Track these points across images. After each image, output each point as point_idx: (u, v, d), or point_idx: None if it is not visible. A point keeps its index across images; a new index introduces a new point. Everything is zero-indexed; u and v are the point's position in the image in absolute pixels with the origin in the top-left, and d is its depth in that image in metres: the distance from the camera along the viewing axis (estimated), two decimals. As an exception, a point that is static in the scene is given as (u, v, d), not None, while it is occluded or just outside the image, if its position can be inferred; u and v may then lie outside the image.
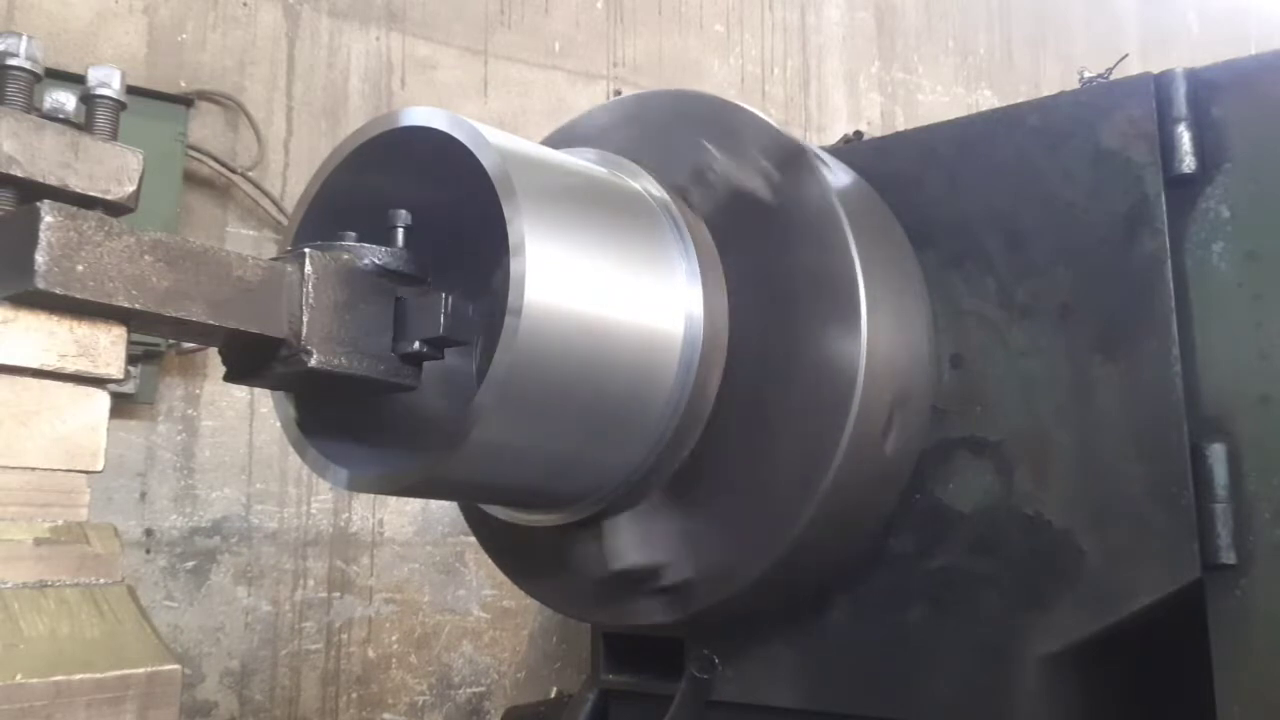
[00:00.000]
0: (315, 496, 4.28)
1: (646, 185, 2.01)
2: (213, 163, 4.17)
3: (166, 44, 4.19)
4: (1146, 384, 1.82)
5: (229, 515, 4.12)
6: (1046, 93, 2.09)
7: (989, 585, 1.92)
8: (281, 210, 4.24)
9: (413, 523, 4.48)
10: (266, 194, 4.25)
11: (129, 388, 3.81)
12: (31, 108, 1.54)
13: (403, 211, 1.81)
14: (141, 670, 1.37)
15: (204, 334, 1.60)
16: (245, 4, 4.36)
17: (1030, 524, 1.90)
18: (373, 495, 4.03)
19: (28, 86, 1.54)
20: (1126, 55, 3.14)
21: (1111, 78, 2.19)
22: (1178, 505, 1.77)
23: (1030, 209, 1.98)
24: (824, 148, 2.27)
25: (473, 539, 2.32)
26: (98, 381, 1.47)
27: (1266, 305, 1.77)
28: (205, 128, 4.19)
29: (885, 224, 2.09)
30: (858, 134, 2.59)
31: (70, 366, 1.43)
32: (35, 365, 1.40)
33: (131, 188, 1.58)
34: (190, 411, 4.09)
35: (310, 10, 4.51)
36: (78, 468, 1.46)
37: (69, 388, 1.45)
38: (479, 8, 4.93)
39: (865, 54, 6.25)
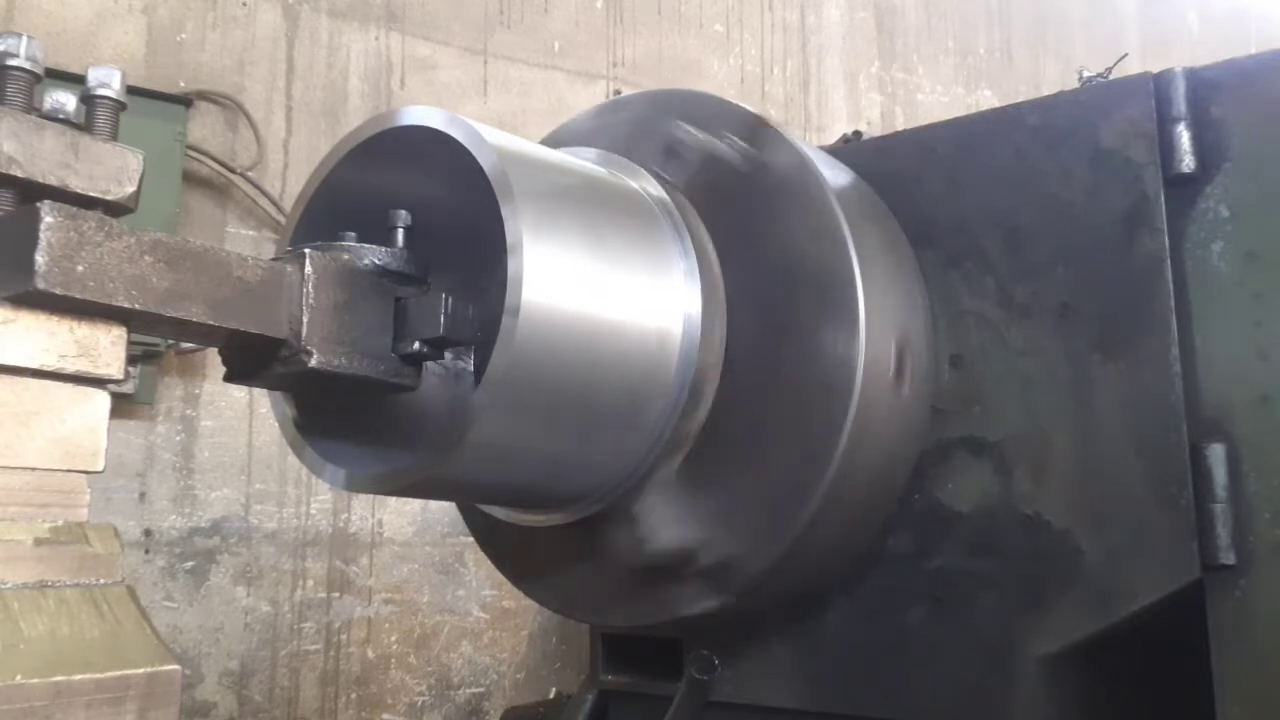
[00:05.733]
0: (315, 497, 4.28)
1: (645, 185, 2.01)
2: (212, 163, 4.16)
3: (165, 44, 4.19)
4: (1146, 384, 1.82)
5: (228, 515, 4.11)
6: (1046, 93, 2.09)
7: (988, 585, 1.92)
8: (281, 210, 4.24)
9: (412, 523, 4.48)
10: (266, 194, 4.25)
11: (128, 388, 3.80)
12: (31, 108, 1.54)
13: (403, 212, 1.81)
14: (141, 670, 1.37)
15: (204, 334, 1.60)
16: (244, 4, 4.36)
17: (1029, 524, 1.90)
18: (372, 496, 4.03)
19: (28, 86, 1.54)
20: (1126, 55, 3.14)
21: (1111, 77, 2.19)
22: (1177, 505, 1.77)
23: (1030, 209, 1.98)
24: (824, 147, 2.27)
25: (472, 539, 2.32)
26: (98, 382, 1.47)
27: (1266, 305, 1.77)
28: (204, 128, 4.19)
29: (884, 223, 2.09)
30: (857, 134, 2.59)
31: (70, 367, 1.43)
32: (35, 365, 1.40)
33: (131, 188, 1.58)
34: (189, 412, 4.08)
35: (309, 10, 4.51)
36: (78, 468, 1.46)
37: (69, 388, 1.45)
38: (479, 8, 4.92)
39: (865, 54, 6.24)
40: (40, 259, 1.33)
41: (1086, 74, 2.44)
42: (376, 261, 1.74)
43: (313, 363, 1.61)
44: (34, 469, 1.42)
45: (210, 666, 4.01)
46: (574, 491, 1.93)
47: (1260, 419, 1.75)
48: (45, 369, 1.41)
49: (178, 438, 4.05)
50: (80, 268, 1.37)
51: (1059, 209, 1.95)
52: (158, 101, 3.96)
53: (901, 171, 2.15)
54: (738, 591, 1.89)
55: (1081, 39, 7.17)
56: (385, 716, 4.31)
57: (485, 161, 1.68)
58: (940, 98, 6.50)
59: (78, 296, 1.37)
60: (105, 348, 1.46)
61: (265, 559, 4.15)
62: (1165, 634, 1.88)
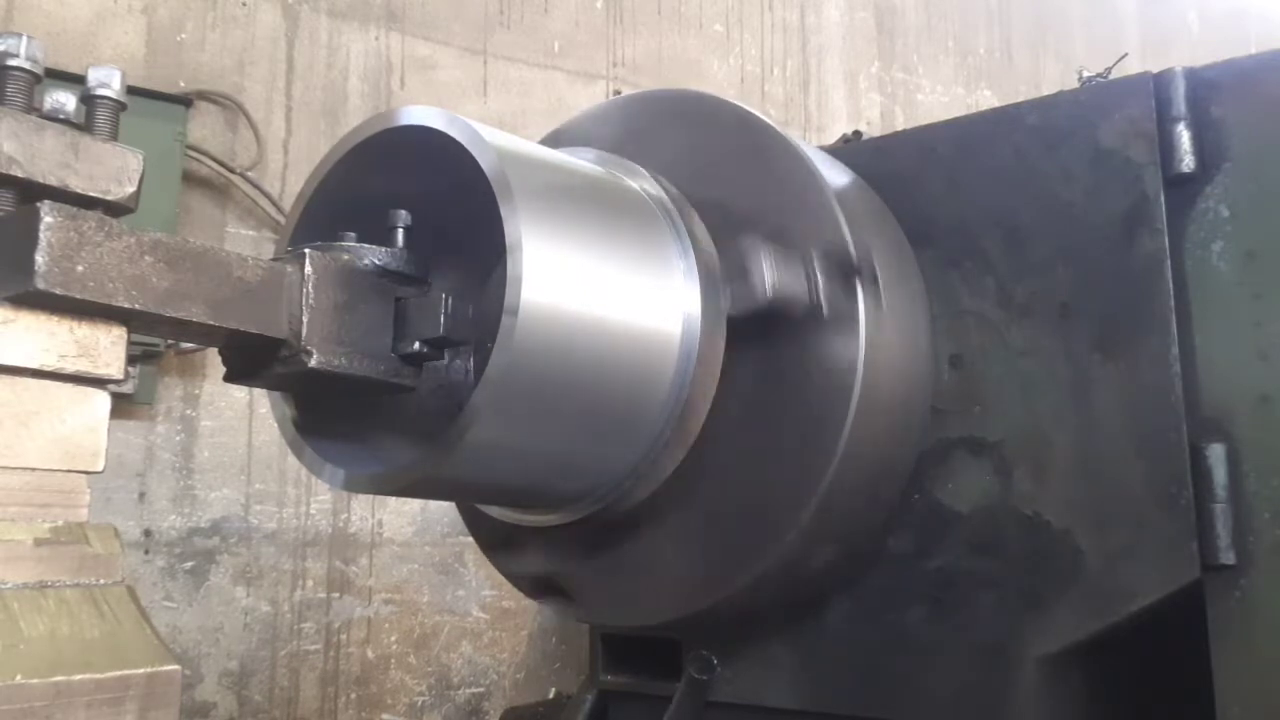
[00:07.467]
0: (314, 497, 4.28)
1: (644, 184, 2.01)
2: (212, 163, 4.16)
3: (165, 44, 4.18)
4: (1146, 384, 1.82)
5: (228, 516, 4.11)
6: (1046, 93, 2.09)
7: (988, 586, 1.92)
8: (280, 210, 4.24)
9: (412, 523, 4.48)
10: (265, 194, 4.25)
11: (128, 388, 3.80)
12: (31, 108, 1.54)
13: (403, 212, 1.81)
14: (141, 671, 1.37)
15: (204, 335, 1.60)
16: (244, 4, 4.36)
17: (1029, 524, 1.90)
18: (371, 496, 4.03)
19: (28, 87, 1.54)
20: (1126, 55, 3.14)
21: (1111, 77, 2.19)
22: (1177, 505, 1.77)
23: (1029, 209, 1.98)
24: (823, 147, 2.27)
25: (472, 539, 2.32)
26: (98, 382, 1.47)
27: (1266, 305, 1.77)
28: (204, 128, 4.19)
29: (883, 222, 2.09)
30: (856, 134, 2.59)
31: (70, 367, 1.43)
32: (35, 365, 1.40)
33: (131, 188, 1.58)
34: (189, 412, 4.08)
35: (309, 10, 4.50)
36: (78, 468, 1.46)
37: (69, 388, 1.45)
38: (479, 8, 4.92)
39: (865, 54, 6.24)
40: (40, 259, 1.33)
41: (1086, 74, 2.44)
42: (376, 261, 1.74)
43: (313, 363, 1.61)
44: (34, 469, 1.42)
45: (210, 667, 4.01)
46: (574, 491, 1.93)
47: (1260, 419, 1.75)
48: (45, 369, 1.41)
49: (177, 438, 4.05)
50: (80, 268, 1.37)
51: (1059, 209, 1.95)
52: (158, 101, 3.95)
53: (901, 171, 2.15)
54: (754, 580, 1.88)
55: (1081, 39, 7.17)
56: (385, 716, 4.31)
57: (485, 161, 1.68)
58: (940, 98, 6.50)
59: (78, 296, 1.37)
60: (105, 348, 1.46)
61: (265, 559, 4.15)
62: (1165, 634, 1.88)
